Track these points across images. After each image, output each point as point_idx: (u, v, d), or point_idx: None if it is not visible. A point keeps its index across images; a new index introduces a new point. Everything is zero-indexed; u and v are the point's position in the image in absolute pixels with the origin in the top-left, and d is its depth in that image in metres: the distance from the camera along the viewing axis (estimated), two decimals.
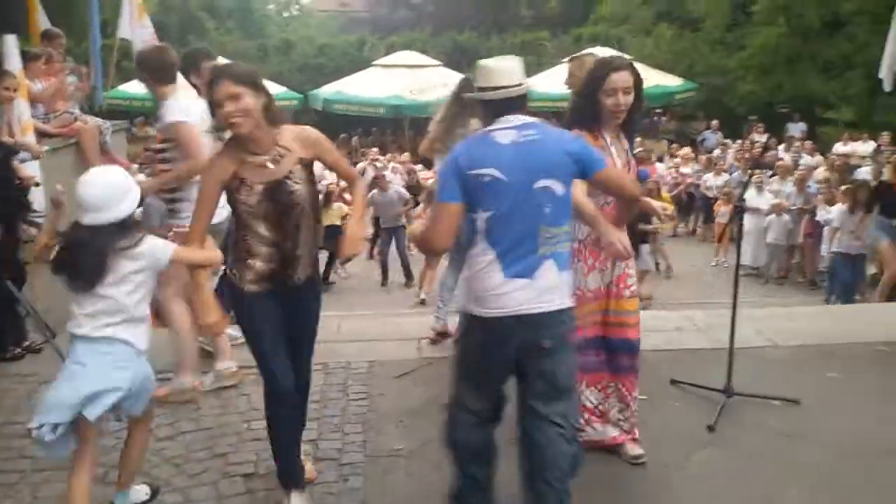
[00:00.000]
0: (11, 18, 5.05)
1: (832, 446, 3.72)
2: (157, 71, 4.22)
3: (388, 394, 4.28)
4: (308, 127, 3.17)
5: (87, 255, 2.82)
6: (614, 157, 3.40)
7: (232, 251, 3.18)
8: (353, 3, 35.65)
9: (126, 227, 2.86)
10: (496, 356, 2.82)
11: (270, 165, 2.94)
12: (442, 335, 4.89)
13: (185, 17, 25.55)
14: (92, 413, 2.74)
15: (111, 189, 2.85)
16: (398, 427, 3.91)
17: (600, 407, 3.63)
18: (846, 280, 9.48)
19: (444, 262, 4.93)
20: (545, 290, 2.76)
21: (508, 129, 2.80)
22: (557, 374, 2.81)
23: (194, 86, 4.38)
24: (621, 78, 3.33)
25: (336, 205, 11.19)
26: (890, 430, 3.86)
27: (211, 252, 3.31)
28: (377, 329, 5.34)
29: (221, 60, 4.57)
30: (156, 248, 2.91)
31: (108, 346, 2.83)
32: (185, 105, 4.11)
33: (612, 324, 3.57)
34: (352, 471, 3.50)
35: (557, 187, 2.77)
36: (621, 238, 3.15)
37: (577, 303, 3.11)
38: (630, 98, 3.36)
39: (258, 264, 3.03)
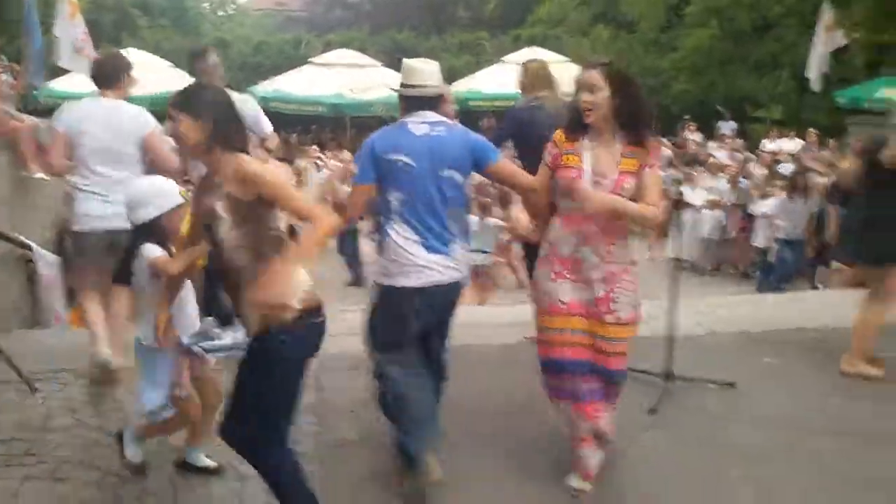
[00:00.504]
0: None
1: (767, 427, 3.92)
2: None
3: (339, 385, 4.33)
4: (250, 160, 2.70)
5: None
6: (583, 161, 3.22)
7: None
8: (289, 2, 35.31)
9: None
10: (417, 321, 3.30)
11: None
12: None
13: (118, 15, 24.98)
14: None
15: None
16: (349, 417, 3.96)
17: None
18: (789, 264, 9.83)
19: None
20: (456, 262, 3.30)
21: (423, 123, 3.30)
22: (449, 330, 3.54)
23: None
24: (585, 76, 3.26)
25: None
26: (820, 411, 4.09)
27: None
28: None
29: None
30: None
31: None
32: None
33: (597, 349, 3.29)
34: (306, 460, 3.50)
35: (457, 176, 3.29)
36: (521, 219, 3.55)
37: (551, 313, 3.27)
38: (598, 97, 3.16)
39: None
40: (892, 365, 4.58)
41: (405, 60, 3.49)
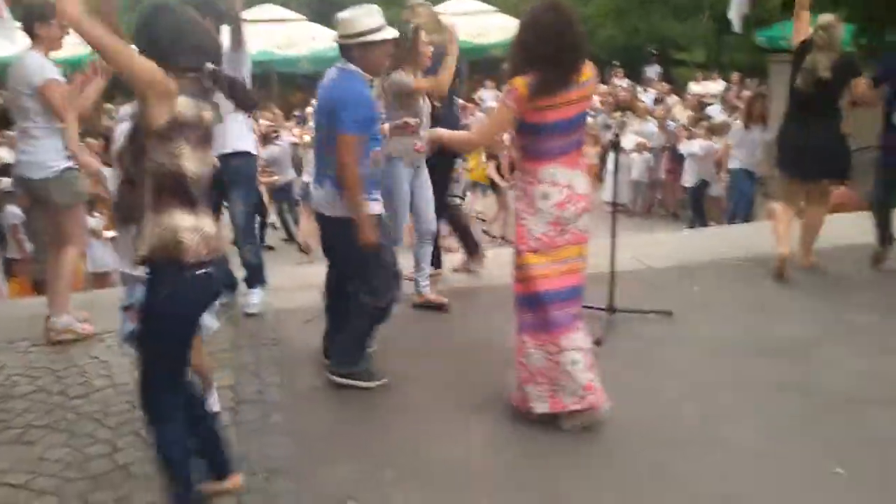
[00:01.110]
0: None
1: (702, 349, 4.23)
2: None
3: (298, 338, 4.44)
4: None
5: None
6: None
7: None
8: None
9: None
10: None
11: None
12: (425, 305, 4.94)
13: None
14: None
15: None
16: (312, 367, 4.09)
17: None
18: (748, 195, 9.82)
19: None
20: (325, 202, 3.72)
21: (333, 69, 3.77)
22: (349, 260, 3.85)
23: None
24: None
25: None
26: (748, 333, 4.41)
27: None
28: (279, 279, 5.43)
29: None
30: None
31: None
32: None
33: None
34: (273, 408, 3.67)
35: (323, 121, 3.70)
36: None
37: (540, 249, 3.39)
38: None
39: None
40: (817, 285, 4.97)
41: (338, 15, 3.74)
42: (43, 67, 4.22)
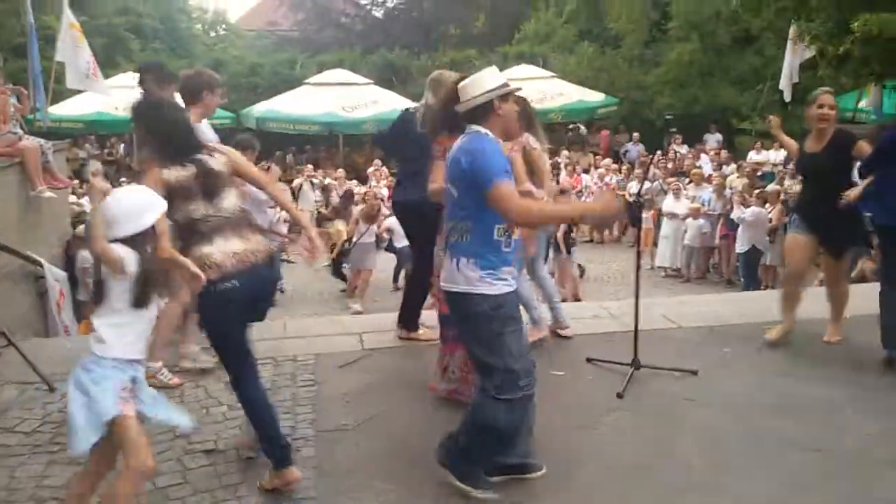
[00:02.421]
0: None
1: (723, 407, 4.31)
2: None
3: (334, 380, 4.69)
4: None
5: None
6: None
7: None
8: (281, 22, 35.71)
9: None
10: None
11: None
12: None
13: (111, 40, 25.38)
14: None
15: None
16: (344, 406, 4.33)
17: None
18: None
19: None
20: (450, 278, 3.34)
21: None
22: (471, 346, 3.40)
23: None
24: None
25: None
26: (770, 394, 4.48)
27: None
28: (320, 327, 5.73)
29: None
30: None
31: None
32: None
33: None
34: (304, 443, 3.91)
35: (452, 190, 3.32)
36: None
37: None
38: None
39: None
40: (840, 351, 5.00)
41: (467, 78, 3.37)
42: (205, 134, 4.62)
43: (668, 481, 3.56)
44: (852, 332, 5.19)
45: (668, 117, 17.76)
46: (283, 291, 11.03)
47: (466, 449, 3.38)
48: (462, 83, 3.35)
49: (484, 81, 3.27)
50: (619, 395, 4.39)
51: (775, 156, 16.66)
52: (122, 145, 19.08)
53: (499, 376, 3.24)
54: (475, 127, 3.29)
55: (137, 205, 2.93)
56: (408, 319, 5.24)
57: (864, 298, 5.19)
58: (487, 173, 3.13)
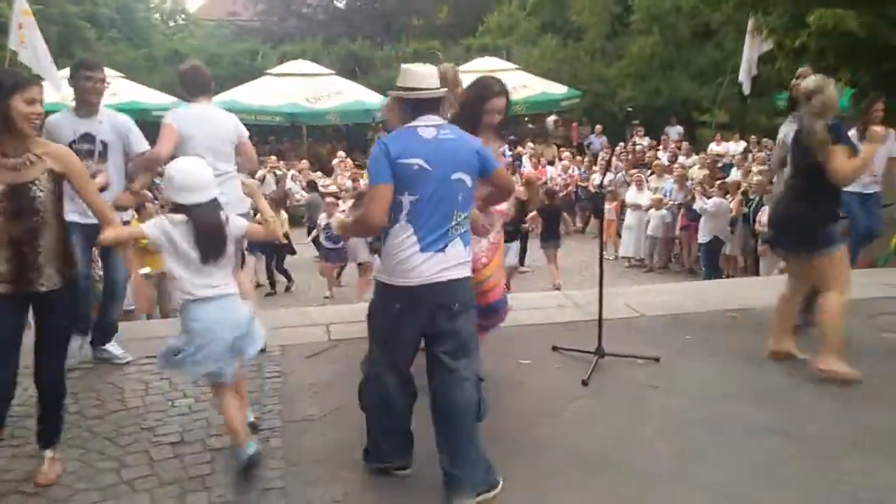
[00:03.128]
0: None
1: (683, 394, 4.39)
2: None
3: (300, 371, 4.68)
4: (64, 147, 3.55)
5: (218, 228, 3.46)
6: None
7: None
8: (241, 12, 35.29)
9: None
10: (409, 320, 3.29)
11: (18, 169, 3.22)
12: None
13: (65, 28, 24.84)
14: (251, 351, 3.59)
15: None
16: (311, 397, 4.33)
17: None
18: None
19: None
20: (453, 262, 3.29)
21: (430, 127, 3.30)
22: (463, 333, 3.32)
23: None
24: (501, 102, 4.09)
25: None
26: (729, 380, 4.58)
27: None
28: (286, 318, 5.71)
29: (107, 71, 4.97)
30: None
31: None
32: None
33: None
34: (271, 434, 3.90)
35: (467, 179, 3.32)
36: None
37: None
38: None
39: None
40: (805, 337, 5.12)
41: (404, 65, 3.49)
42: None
43: (634, 468, 3.61)
44: None
45: (628, 109, 17.97)
46: None
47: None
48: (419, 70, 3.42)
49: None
50: (584, 383, 4.44)
51: (735, 147, 16.96)
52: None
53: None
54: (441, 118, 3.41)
55: None
56: None
57: None
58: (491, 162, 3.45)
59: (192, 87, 4.91)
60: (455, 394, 3.28)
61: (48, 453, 3.54)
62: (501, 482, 3.34)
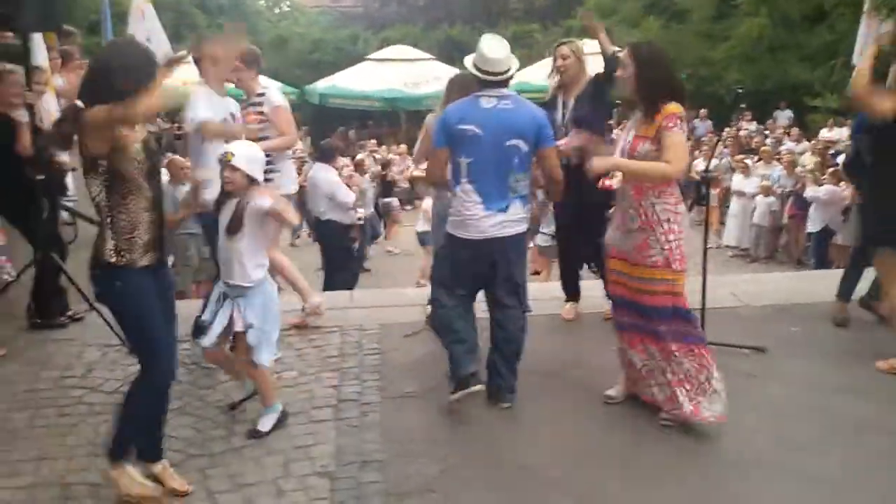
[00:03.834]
0: (54, 15, 5.45)
1: (790, 384, 4.27)
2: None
3: (399, 349, 4.78)
4: None
5: None
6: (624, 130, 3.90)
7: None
8: None
9: None
10: (474, 267, 3.93)
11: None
12: None
13: (178, 14, 25.88)
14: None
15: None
16: (409, 374, 4.42)
17: (643, 369, 3.90)
18: None
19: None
20: (513, 219, 3.84)
21: (492, 98, 3.81)
22: (516, 275, 3.96)
23: None
24: (621, 55, 3.94)
25: None
26: (838, 372, 4.43)
27: None
28: (385, 297, 5.83)
29: None
30: None
31: None
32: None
33: (634, 289, 3.82)
34: (370, 409, 4.02)
35: (523, 145, 3.78)
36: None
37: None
38: (626, 72, 3.72)
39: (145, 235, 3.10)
40: None
41: (481, 46, 3.87)
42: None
43: (732, 457, 3.55)
44: None
45: (738, 91, 17.32)
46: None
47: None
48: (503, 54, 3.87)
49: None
50: None
51: (846, 133, 16.14)
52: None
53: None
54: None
55: None
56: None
57: None
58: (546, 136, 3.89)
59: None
60: (509, 325, 3.99)
61: None
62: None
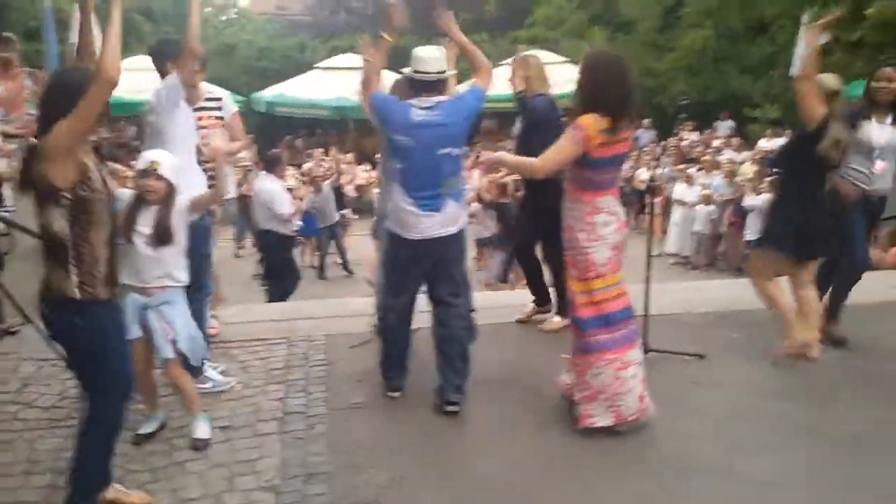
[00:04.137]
0: None
1: (730, 390, 4.38)
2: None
3: (346, 360, 4.76)
4: None
5: None
6: None
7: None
8: (291, 6, 35.62)
9: None
10: (415, 266, 4.06)
11: None
12: None
13: (123, 22, 25.38)
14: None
15: None
16: (356, 385, 4.40)
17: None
18: None
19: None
20: (449, 219, 3.97)
21: (423, 109, 3.90)
22: (456, 274, 4.11)
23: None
24: None
25: None
26: (777, 377, 4.55)
27: None
28: (332, 308, 5.80)
29: None
30: None
31: None
32: None
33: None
34: (317, 420, 3.99)
35: (455, 151, 3.95)
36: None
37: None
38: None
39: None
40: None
41: (415, 49, 4.04)
42: None
43: (677, 462, 3.62)
44: (860, 320, 5.22)
45: (683, 102, 17.70)
46: None
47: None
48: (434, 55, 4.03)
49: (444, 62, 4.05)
50: None
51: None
52: (133, 128, 19.15)
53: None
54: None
55: None
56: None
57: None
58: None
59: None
60: (451, 322, 4.09)
61: None
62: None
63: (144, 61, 4.96)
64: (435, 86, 3.98)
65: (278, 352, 4.87)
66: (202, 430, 3.77)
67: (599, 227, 3.77)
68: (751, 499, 3.35)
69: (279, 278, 7.93)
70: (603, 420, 3.80)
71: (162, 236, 3.55)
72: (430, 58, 3.99)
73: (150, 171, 3.54)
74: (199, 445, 3.70)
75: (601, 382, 3.79)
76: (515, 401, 4.25)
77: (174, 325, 3.64)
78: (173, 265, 3.64)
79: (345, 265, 11.85)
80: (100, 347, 3.03)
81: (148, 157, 3.63)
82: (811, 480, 3.48)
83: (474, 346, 4.29)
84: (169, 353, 3.64)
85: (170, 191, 3.59)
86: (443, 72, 4.01)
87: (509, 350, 4.97)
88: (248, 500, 3.32)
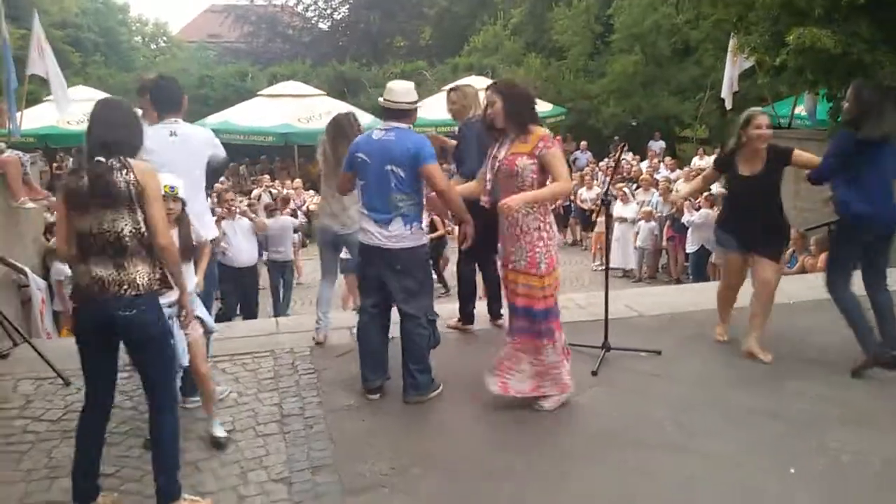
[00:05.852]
0: None
1: (686, 382, 4.83)
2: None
3: (333, 368, 5.06)
4: None
5: None
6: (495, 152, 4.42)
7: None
8: (224, 33, 35.54)
9: None
10: (372, 271, 4.56)
11: None
12: (320, 344, 5.54)
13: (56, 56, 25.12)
14: None
15: None
16: (346, 390, 4.71)
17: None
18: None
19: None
20: (395, 236, 4.42)
21: (382, 130, 4.49)
22: (408, 286, 4.50)
23: None
24: (486, 95, 4.48)
25: None
26: (728, 369, 5.04)
27: None
28: (311, 322, 6.07)
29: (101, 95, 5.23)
30: None
31: None
32: None
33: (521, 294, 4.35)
34: (315, 421, 4.30)
35: (398, 170, 4.38)
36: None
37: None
38: (496, 108, 4.33)
39: None
40: (781, 334, 5.56)
41: (390, 82, 4.64)
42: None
43: (645, 443, 4.05)
44: (792, 317, 5.78)
45: (632, 123, 18.52)
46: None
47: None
48: (403, 88, 4.57)
49: (412, 94, 4.57)
50: (594, 373, 4.87)
51: None
52: (71, 159, 19.00)
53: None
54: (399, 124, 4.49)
55: None
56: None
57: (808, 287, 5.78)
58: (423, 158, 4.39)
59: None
60: (409, 328, 4.54)
61: None
62: (441, 387, 4.65)
63: (88, 92, 5.19)
64: (397, 114, 4.50)
65: (265, 363, 5.15)
66: (220, 428, 4.08)
67: (553, 228, 4.33)
68: (707, 472, 3.78)
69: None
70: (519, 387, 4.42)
71: (187, 254, 3.93)
72: (399, 90, 4.55)
73: (170, 196, 3.83)
74: (222, 441, 4.04)
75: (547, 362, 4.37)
76: (492, 398, 4.61)
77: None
78: (188, 276, 3.93)
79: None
80: (167, 336, 3.47)
81: (163, 181, 3.90)
82: (766, 453, 3.93)
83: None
84: (185, 361, 3.90)
85: (184, 209, 3.91)
86: (412, 102, 4.55)
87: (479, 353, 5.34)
88: (262, 491, 3.62)
